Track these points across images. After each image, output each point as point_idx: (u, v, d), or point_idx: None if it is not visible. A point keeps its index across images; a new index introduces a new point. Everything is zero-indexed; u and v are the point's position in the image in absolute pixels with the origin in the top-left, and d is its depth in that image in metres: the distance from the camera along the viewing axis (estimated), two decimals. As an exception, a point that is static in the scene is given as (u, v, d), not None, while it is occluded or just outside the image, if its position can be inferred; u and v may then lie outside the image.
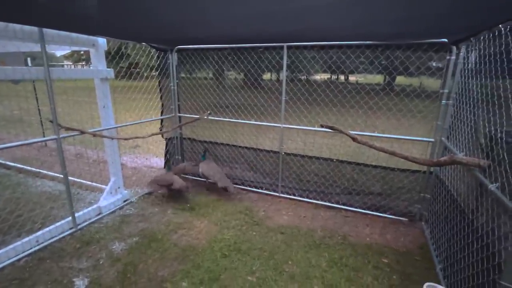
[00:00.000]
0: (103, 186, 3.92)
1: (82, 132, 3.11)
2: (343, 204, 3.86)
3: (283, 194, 4.21)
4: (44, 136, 5.16)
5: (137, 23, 2.48)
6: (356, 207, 3.79)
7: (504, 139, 1.80)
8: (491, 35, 2.18)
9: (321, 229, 3.37)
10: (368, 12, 1.93)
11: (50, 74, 2.73)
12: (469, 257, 2.04)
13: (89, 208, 3.46)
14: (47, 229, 2.98)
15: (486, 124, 2.07)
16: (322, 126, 3.33)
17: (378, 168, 3.65)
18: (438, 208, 2.98)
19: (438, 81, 3.11)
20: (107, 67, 3.49)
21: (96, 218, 3.44)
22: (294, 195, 4.14)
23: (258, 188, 4.38)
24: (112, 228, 3.30)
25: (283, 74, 3.70)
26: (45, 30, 2.66)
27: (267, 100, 4.11)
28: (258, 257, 2.82)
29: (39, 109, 5.19)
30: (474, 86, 2.43)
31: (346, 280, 2.54)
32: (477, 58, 2.45)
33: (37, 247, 2.84)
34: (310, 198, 4.06)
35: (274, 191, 4.28)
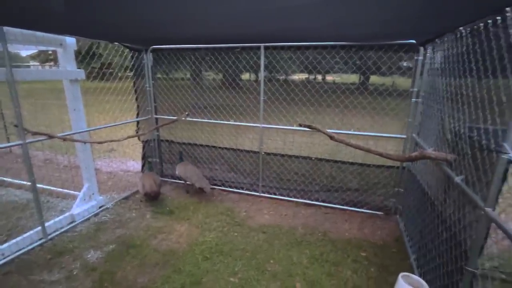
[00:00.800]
0: (76, 193, 3.73)
1: (51, 137, 2.95)
2: (323, 201, 3.95)
3: (264, 193, 4.23)
4: (8, 142, 4.82)
5: (109, 21, 2.38)
6: (335, 204, 3.89)
7: (467, 134, 1.93)
8: (454, 36, 2.32)
9: (302, 226, 3.42)
10: (344, 13, 1.98)
11: (13, 75, 2.56)
12: (439, 246, 2.16)
13: (61, 217, 3.28)
14: (13, 241, 2.79)
15: (451, 120, 2.20)
16: (300, 125, 3.37)
17: (355, 165, 3.77)
18: (411, 201, 3.13)
19: (409, 80, 3.26)
20: (79, 68, 3.33)
21: (69, 227, 3.27)
22: (275, 194, 4.18)
23: (239, 189, 4.38)
24: (87, 236, 3.15)
25: (261, 74, 3.73)
26: (6, 28, 2.49)
27: (245, 101, 4.11)
28: (240, 257, 2.82)
29: (2, 113, 4.85)
30: (440, 84, 2.58)
31: (327, 275, 2.60)
32: (442, 58, 2.60)
33: (2, 261, 2.65)
34: (291, 197, 4.11)
35: (255, 191, 4.29)
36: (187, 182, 4.21)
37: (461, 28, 2.14)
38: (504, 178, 1.49)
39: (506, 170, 1.47)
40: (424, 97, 3.09)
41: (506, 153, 1.43)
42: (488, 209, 1.53)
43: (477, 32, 1.95)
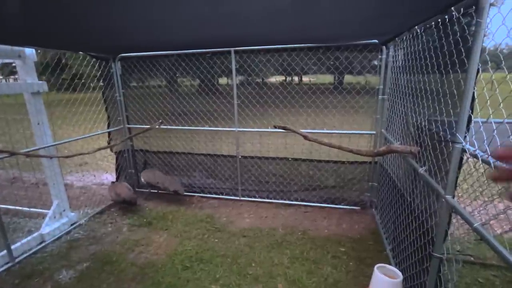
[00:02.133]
0: (45, 211, 3.53)
1: (13, 154, 2.78)
2: (302, 200, 4.00)
3: (244, 197, 4.22)
4: (-33, 162, 4.48)
5: (70, 30, 2.30)
6: (313, 202, 3.96)
7: (427, 126, 2.04)
8: (410, 35, 2.46)
9: (282, 227, 3.44)
10: (302, 17, 2.04)
11: (-35, 91, 2.40)
12: (410, 235, 2.25)
13: (29, 237, 3.09)
14: (-25, 268, 2.60)
15: (413, 114, 2.32)
16: (275, 127, 3.41)
17: (330, 162, 3.85)
18: (384, 194, 3.25)
19: (378, 78, 3.39)
20: (45, 79, 3.18)
21: (38, 248, 3.08)
22: (255, 197, 4.18)
23: (219, 194, 4.34)
24: (58, 256, 2.99)
25: (233, 78, 3.74)
26: (-46, 41, 2.33)
27: (219, 106, 4.11)
28: (221, 264, 2.79)
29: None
30: (402, 81, 2.71)
31: (308, 273, 2.63)
32: (403, 56, 2.74)
33: (-37, 291, 2.46)
34: (270, 198, 4.13)
35: (235, 195, 4.27)
36: (158, 190, 4.16)
37: (416, 27, 2.27)
38: (459, 166, 1.58)
39: (461, 159, 1.57)
40: (389, 93, 3.23)
41: (459, 142, 1.53)
42: (448, 197, 1.61)
43: (429, 30, 2.07)
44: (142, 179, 4.17)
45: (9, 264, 2.80)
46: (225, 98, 4.05)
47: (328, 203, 3.91)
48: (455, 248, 2.43)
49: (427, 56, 2.06)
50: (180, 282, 2.55)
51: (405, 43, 2.66)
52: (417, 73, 2.30)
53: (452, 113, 1.66)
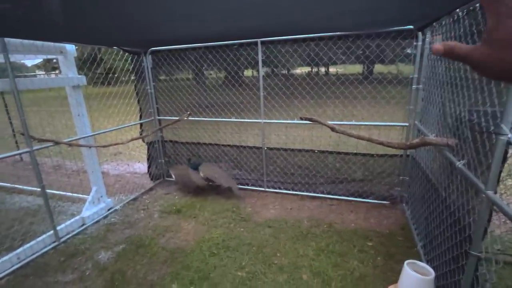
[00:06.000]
0: (85, 196, 3.82)
1: (57, 143, 3.02)
2: (328, 193, 3.95)
3: (269, 188, 4.25)
4: (18, 150, 4.94)
5: (106, 27, 2.43)
6: (340, 195, 3.89)
7: (467, 117, 1.90)
8: (451, 19, 2.28)
9: (308, 219, 3.43)
10: (335, 3, 1.97)
11: (16, 85, 2.63)
12: (444, 232, 2.15)
13: (72, 220, 3.37)
14: (27, 245, 2.89)
15: (452, 105, 2.17)
16: (301, 118, 3.37)
17: (358, 155, 3.74)
18: (416, 189, 3.11)
19: (412, 67, 3.20)
20: (83, 74, 3.40)
21: (79, 230, 3.36)
22: (280, 188, 4.20)
23: (244, 185, 4.41)
24: (97, 238, 3.24)
25: (259, 70, 3.73)
26: (7, 39, 2.55)
27: (245, 97, 4.13)
28: (247, 252, 2.85)
29: (10, 122, 4.97)
30: (440, 69, 2.54)
31: (334, 266, 2.62)
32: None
33: (18, 265, 2.75)
34: (296, 190, 4.12)
35: (260, 186, 4.32)
36: (213, 183, 4.20)
37: (457, 10, 2.10)
38: (504, 160, 1.47)
39: (506, 152, 1.46)
40: (424, 83, 3.05)
41: (504, 134, 1.41)
42: (489, 192, 1.51)
43: (473, 13, 1.91)
44: (201, 174, 4.23)
45: (55, 243, 3.08)
46: (251, 90, 4.06)
47: (355, 197, 3.82)
48: (495, 247, 2.28)
49: (470, 41, 1.90)
50: (208, 267, 2.65)
51: (444, 28, 2.48)
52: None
53: (497, 103, 1.53)
